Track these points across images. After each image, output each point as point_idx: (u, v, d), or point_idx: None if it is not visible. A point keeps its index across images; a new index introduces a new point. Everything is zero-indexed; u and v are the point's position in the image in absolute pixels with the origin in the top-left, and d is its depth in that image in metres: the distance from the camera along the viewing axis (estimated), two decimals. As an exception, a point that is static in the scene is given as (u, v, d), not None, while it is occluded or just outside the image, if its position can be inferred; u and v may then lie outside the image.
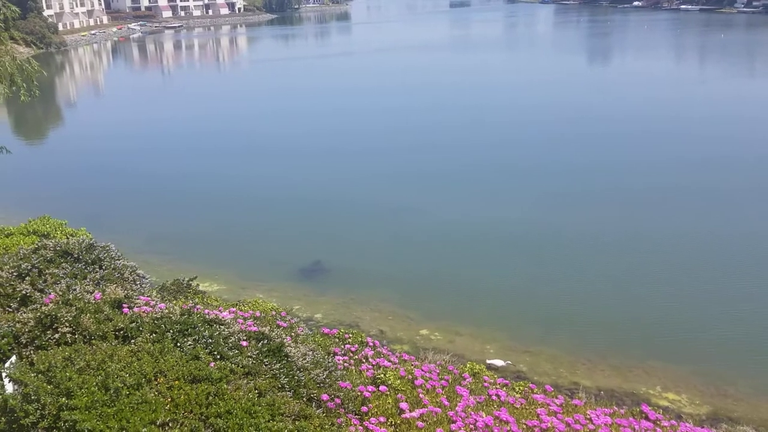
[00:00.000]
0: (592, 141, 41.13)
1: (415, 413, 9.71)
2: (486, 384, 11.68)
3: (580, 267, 22.81)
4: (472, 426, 9.67)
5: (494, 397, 10.89)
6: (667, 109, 49.85)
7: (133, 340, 9.65)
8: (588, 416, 10.72)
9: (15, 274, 11.81)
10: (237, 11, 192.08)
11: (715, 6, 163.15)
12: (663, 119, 46.29)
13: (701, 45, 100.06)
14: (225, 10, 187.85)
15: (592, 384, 15.89)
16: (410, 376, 11.05)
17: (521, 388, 11.94)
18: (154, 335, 9.71)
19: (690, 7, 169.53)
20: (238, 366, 9.22)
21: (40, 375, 8.57)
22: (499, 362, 16.62)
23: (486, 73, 73.93)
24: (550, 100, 55.05)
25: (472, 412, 10.04)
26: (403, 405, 9.91)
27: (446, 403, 10.22)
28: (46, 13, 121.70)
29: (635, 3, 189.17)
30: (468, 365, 12.83)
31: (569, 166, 35.41)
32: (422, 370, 11.49)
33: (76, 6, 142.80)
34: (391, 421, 9.58)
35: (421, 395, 10.41)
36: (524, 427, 9.97)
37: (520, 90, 61.45)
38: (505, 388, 11.67)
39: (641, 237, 25.23)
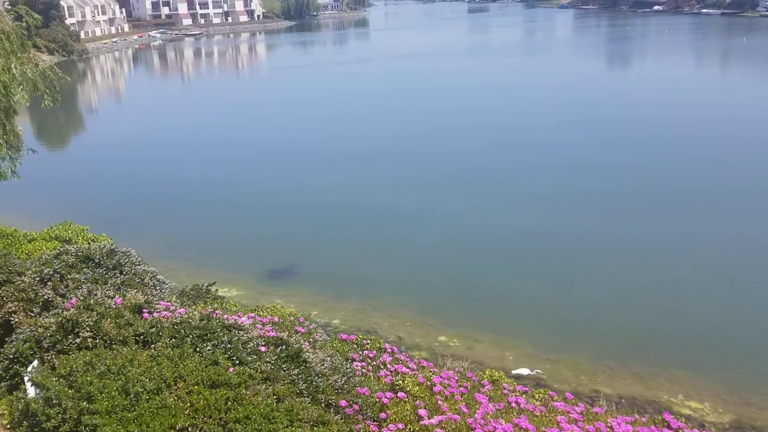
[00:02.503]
0: (614, 144, 40.79)
1: (434, 420, 9.64)
2: (505, 391, 11.57)
3: (601, 273, 22.61)
4: (491, 433, 9.59)
5: (514, 405, 10.78)
6: (692, 112, 49.36)
7: (153, 345, 9.69)
8: (609, 424, 10.58)
9: (37, 279, 11.94)
10: (256, 18, 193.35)
11: (737, 10, 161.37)
12: (688, 122, 45.85)
13: (723, 49, 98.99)
14: (244, 18, 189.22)
15: (613, 392, 15.73)
16: (429, 383, 10.98)
17: (541, 395, 11.82)
18: (173, 340, 9.75)
19: (711, 11, 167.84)
20: (256, 371, 9.22)
21: (61, 379, 8.64)
22: (524, 371, 16.47)
23: (506, 77, 73.65)
24: (572, 103, 54.77)
25: (492, 420, 9.95)
26: (422, 412, 9.85)
27: (465, 410, 10.14)
28: (69, 21, 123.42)
29: (656, 7, 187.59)
30: (487, 372, 12.73)
31: (591, 170, 35.19)
32: (441, 377, 11.41)
33: (98, 14, 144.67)
34: (410, 428, 9.52)
35: (439, 402, 10.34)
36: (544, 434, 9.86)
37: (542, 93, 61.04)
38: (524, 396, 11.54)
39: (664, 242, 24.96)
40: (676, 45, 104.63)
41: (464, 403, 10.41)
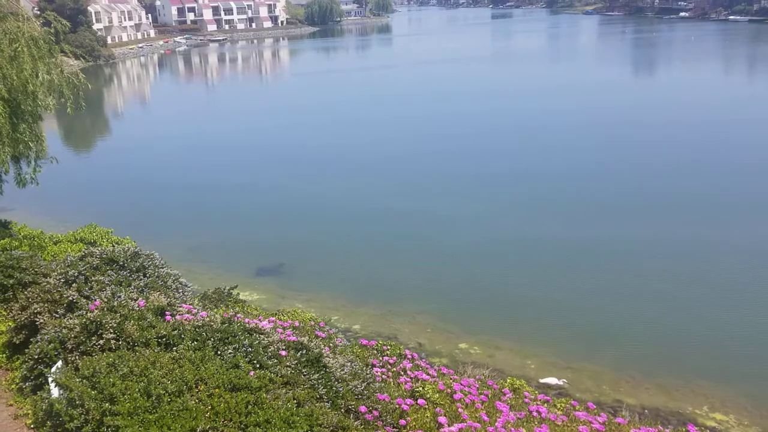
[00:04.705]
0: (640, 149, 40.23)
1: (454, 428, 9.57)
2: (527, 400, 11.48)
3: (625, 281, 22.34)
4: (511, 442, 9.51)
5: (535, 414, 10.68)
6: (720, 118, 48.71)
7: (174, 348, 9.76)
8: (632, 435, 10.44)
9: (62, 280, 12.09)
10: (279, 24, 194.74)
11: (765, 17, 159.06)
12: (717, 127, 45.28)
13: (751, 56, 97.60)
14: (268, 24, 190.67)
15: (636, 402, 15.52)
16: (449, 390, 10.92)
17: (563, 404, 11.70)
18: (195, 343, 9.80)
19: (739, 17, 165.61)
20: (277, 375, 9.24)
21: (84, 380, 8.73)
22: (552, 380, 16.31)
23: (529, 82, 73.20)
24: (597, 108, 54.34)
25: (512, 429, 9.87)
26: (442, 419, 9.79)
27: (486, 418, 10.06)
28: (96, 26, 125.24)
29: (682, 14, 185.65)
30: (508, 380, 12.64)
31: (616, 175, 34.80)
32: (461, 384, 11.34)
33: (125, 20, 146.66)
34: (430, 435, 9.47)
35: (460, 410, 10.27)
36: (566, 444, 9.76)
37: (566, 98, 60.60)
38: (546, 405, 11.43)
39: (690, 250, 24.61)
40: (703, 52, 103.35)
41: (485, 411, 10.34)
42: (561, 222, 27.96)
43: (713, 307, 20.33)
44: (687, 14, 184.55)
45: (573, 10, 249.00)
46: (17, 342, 11.53)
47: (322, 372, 9.73)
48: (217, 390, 8.54)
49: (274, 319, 13.01)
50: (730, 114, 51.19)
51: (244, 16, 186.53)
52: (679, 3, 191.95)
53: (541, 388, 15.08)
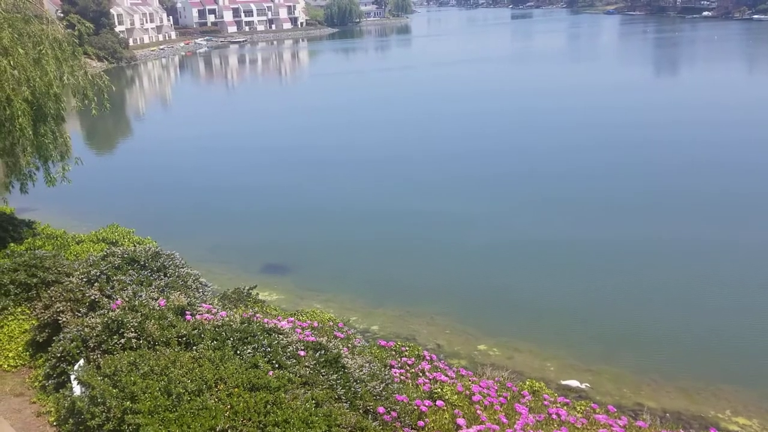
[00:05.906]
0: (661, 149, 39.78)
1: (473, 430, 9.54)
2: (546, 402, 11.40)
3: (646, 283, 22.11)
4: (531, 445, 9.45)
5: (554, 416, 10.60)
6: (744, 117, 48.06)
7: (194, 347, 9.83)
8: (653, 439, 10.32)
9: (85, 279, 12.24)
10: (299, 26, 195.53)
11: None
12: (742, 127, 44.65)
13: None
14: (288, 25, 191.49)
15: (658, 405, 15.35)
16: (468, 392, 10.88)
17: (583, 407, 11.60)
18: (215, 342, 9.87)
19: (763, 17, 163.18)
20: (295, 375, 9.28)
21: (106, 378, 8.83)
22: (574, 383, 16.18)
23: (549, 82, 72.76)
24: (614, 108, 53.84)
25: (531, 431, 9.81)
26: (461, 421, 9.76)
27: (505, 420, 10.01)
28: (118, 29, 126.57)
29: (705, 13, 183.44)
30: (528, 382, 12.56)
31: (636, 175, 34.44)
32: (480, 386, 11.29)
33: (147, 22, 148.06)
34: (448, 437, 9.45)
35: (478, 411, 10.23)
36: (585, 447, 9.68)
37: (582, 98, 60.19)
38: (565, 407, 11.35)
39: (711, 251, 24.30)
40: (725, 52, 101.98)
41: (504, 414, 10.29)
42: (580, 223, 27.75)
43: (735, 310, 20.05)
44: (710, 13, 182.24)
45: (594, 10, 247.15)
46: (40, 340, 11.70)
47: (340, 372, 9.75)
48: (236, 389, 8.59)
49: (292, 319, 13.06)
50: (753, 114, 50.43)
51: (264, 18, 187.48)
52: (702, 2, 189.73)
53: (561, 391, 14.97)
